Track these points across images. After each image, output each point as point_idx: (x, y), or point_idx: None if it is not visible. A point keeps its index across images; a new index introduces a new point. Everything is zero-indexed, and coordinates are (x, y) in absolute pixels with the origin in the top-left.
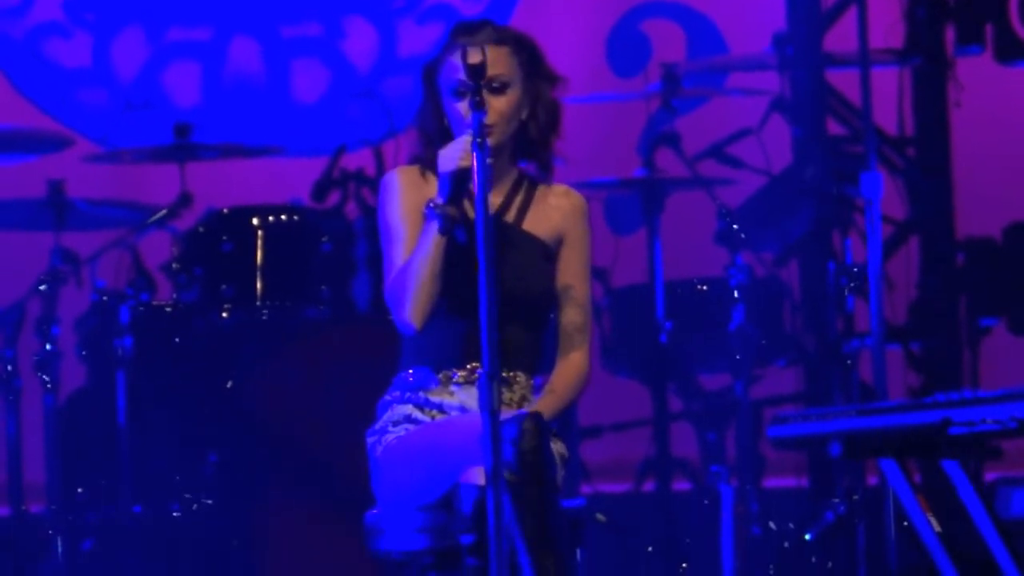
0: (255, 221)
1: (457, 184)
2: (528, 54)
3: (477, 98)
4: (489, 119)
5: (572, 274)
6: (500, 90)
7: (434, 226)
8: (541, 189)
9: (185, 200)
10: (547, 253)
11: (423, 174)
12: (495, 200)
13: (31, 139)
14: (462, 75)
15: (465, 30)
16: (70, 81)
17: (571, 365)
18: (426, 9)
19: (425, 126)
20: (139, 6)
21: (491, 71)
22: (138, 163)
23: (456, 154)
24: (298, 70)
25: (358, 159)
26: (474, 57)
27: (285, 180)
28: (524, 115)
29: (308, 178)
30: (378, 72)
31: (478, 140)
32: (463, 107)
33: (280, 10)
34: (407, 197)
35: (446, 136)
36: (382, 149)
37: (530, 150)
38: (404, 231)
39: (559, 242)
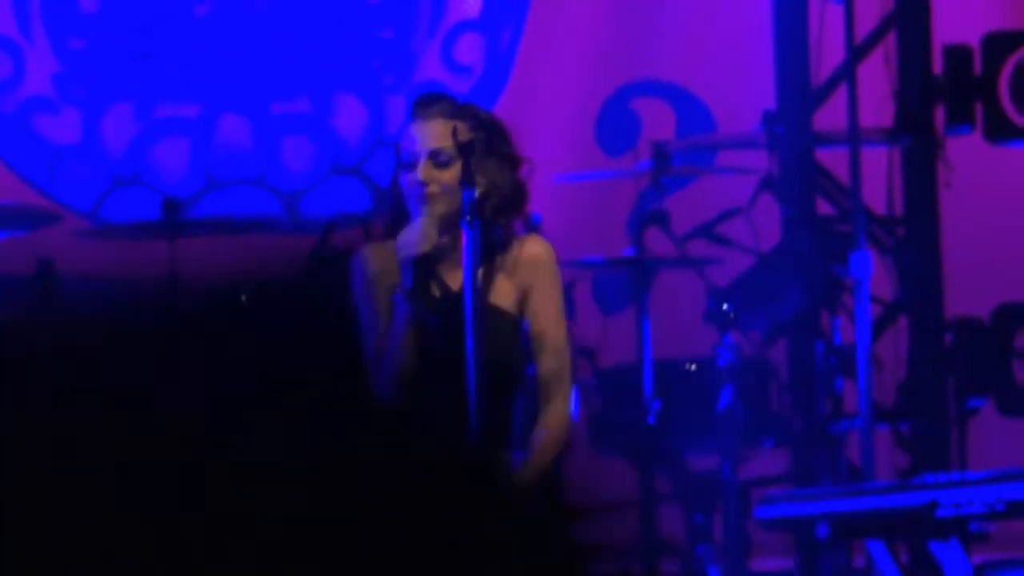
0: (243, 298)
1: (420, 270)
2: (485, 132)
3: (467, 175)
4: (430, 188)
5: (542, 321)
6: (445, 164)
7: (404, 315)
8: (500, 257)
9: (174, 277)
10: (515, 323)
11: (392, 249)
12: (457, 277)
13: (19, 214)
14: (413, 146)
15: (422, 103)
16: (59, 156)
17: (551, 417)
18: (415, 86)
19: (385, 200)
20: (128, 83)
21: (436, 143)
22: (127, 239)
23: (414, 239)
24: (287, 147)
25: (347, 236)
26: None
27: (274, 257)
28: (478, 192)
29: (297, 255)
30: (367, 149)
31: (467, 218)
32: (409, 178)
33: (269, 87)
34: (376, 275)
35: (399, 210)
36: (371, 226)
37: (486, 226)
38: (378, 312)
39: (525, 296)
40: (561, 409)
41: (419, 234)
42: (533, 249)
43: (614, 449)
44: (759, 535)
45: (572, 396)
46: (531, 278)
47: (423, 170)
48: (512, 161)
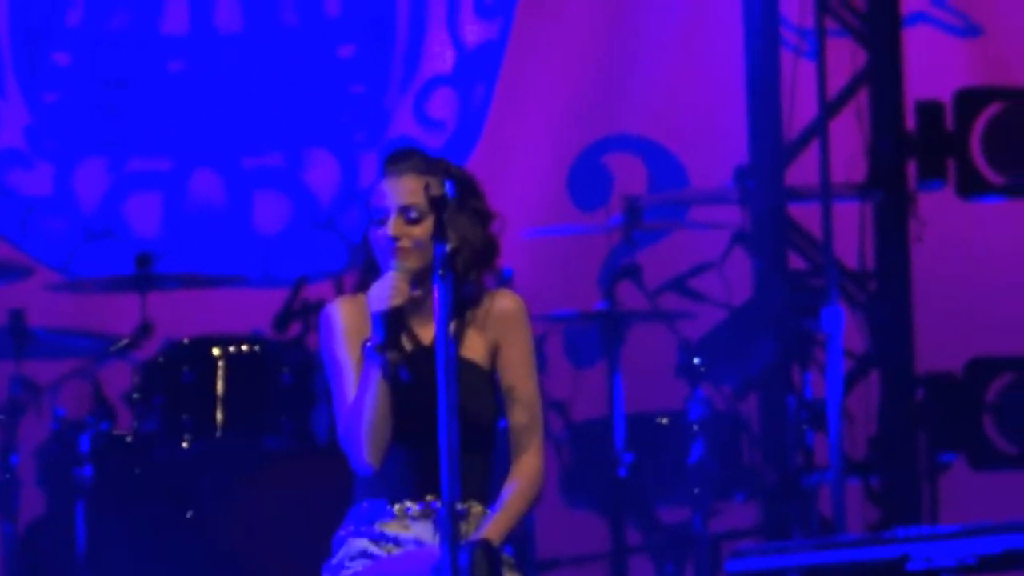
0: (216, 351)
1: (392, 324)
2: (456, 187)
3: (440, 230)
4: (401, 244)
5: (513, 374)
6: (416, 220)
7: (376, 369)
8: (471, 311)
9: (146, 330)
10: (487, 377)
11: (363, 303)
12: (428, 331)
13: None
14: (383, 202)
15: (393, 159)
16: (31, 209)
17: (522, 470)
18: (388, 141)
19: (359, 256)
20: (101, 136)
21: (407, 200)
22: (99, 292)
23: (385, 293)
24: (260, 201)
25: (319, 290)
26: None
27: (246, 311)
28: (449, 247)
29: (269, 309)
30: (340, 203)
31: (440, 273)
32: (380, 234)
33: (242, 141)
34: (348, 329)
35: (371, 266)
36: (343, 280)
37: (457, 280)
38: (349, 366)
39: (496, 349)
40: (532, 462)
41: (390, 288)
42: (504, 303)
43: (586, 502)
44: None
45: (543, 449)
46: (502, 332)
47: (394, 226)
48: (483, 216)
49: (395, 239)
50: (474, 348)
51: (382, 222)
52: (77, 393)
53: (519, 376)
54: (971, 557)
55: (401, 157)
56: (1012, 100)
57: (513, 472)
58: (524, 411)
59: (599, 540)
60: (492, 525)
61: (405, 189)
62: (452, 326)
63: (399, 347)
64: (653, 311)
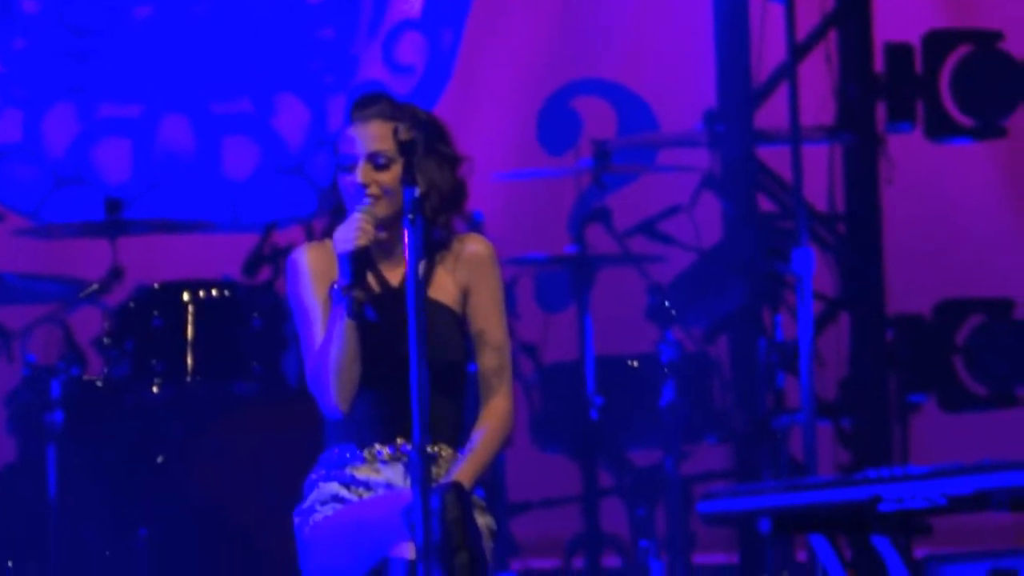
0: (186, 296)
1: (358, 264)
2: (423, 132)
3: (409, 174)
4: (370, 190)
5: (482, 318)
6: (384, 166)
7: (343, 311)
8: (440, 254)
9: (116, 275)
10: (456, 319)
11: (330, 248)
12: (397, 274)
13: None
14: (350, 148)
15: (360, 104)
16: (0, 156)
17: (492, 413)
18: (356, 85)
19: (328, 200)
20: (70, 83)
21: (375, 146)
22: (69, 238)
23: (351, 234)
24: (229, 146)
25: (289, 235)
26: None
27: (216, 256)
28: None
29: (239, 254)
30: (309, 148)
31: (410, 216)
32: (348, 181)
33: (211, 87)
34: (315, 275)
35: (340, 211)
36: (312, 225)
37: (426, 225)
38: (317, 311)
39: (466, 293)
40: (502, 405)
41: (355, 230)
42: (473, 247)
43: (557, 445)
44: (702, 530)
45: (512, 393)
46: (471, 275)
47: (362, 172)
48: (452, 160)
49: (364, 186)
50: (443, 290)
51: (350, 168)
52: (47, 339)
53: (488, 320)
54: (942, 498)
55: (368, 103)
56: (981, 42)
57: (483, 416)
58: (493, 355)
59: (570, 483)
60: (463, 468)
61: (373, 135)
62: (421, 267)
63: (365, 286)
64: (623, 254)
